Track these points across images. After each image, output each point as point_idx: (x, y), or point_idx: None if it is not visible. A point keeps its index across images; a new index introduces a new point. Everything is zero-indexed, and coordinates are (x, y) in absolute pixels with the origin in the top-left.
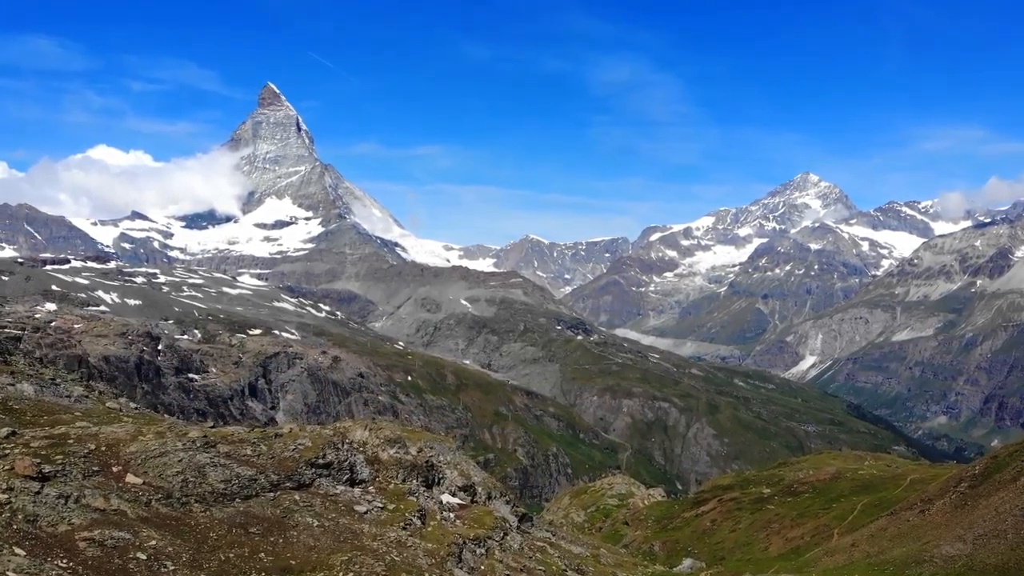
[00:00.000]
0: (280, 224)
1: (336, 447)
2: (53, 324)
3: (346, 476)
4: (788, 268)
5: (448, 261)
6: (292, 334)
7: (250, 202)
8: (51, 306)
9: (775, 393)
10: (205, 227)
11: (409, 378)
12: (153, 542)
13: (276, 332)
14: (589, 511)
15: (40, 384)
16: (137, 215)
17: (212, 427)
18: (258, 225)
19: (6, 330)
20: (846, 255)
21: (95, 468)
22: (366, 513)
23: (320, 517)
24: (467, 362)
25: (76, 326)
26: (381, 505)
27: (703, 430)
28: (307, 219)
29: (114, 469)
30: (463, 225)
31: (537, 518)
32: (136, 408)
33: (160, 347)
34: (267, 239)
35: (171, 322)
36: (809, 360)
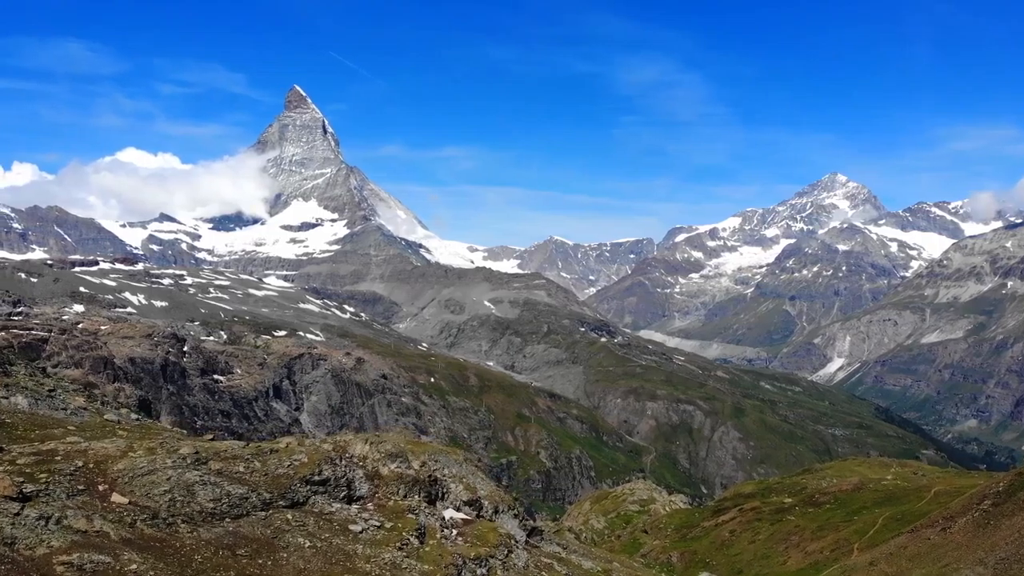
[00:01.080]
0: (306, 226)
1: (333, 463)
2: (80, 326)
3: (343, 493)
4: (816, 269)
5: (472, 262)
6: (317, 335)
7: (277, 204)
8: (79, 308)
9: (802, 396)
10: (232, 229)
11: (432, 380)
12: (134, 566)
13: (301, 333)
14: (609, 517)
15: (35, 397)
16: (165, 217)
17: (212, 438)
18: (284, 227)
19: (33, 332)
20: (874, 256)
21: (80, 487)
22: (361, 532)
23: (312, 537)
24: (490, 364)
25: (103, 328)
26: (378, 523)
27: (728, 433)
28: (333, 221)
29: (100, 488)
30: (487, 226)
31: (548, 531)
32: (138, 419)
33: (186, 348)
34: (293, 241)
35: (197, 323)
36: (837, 362)
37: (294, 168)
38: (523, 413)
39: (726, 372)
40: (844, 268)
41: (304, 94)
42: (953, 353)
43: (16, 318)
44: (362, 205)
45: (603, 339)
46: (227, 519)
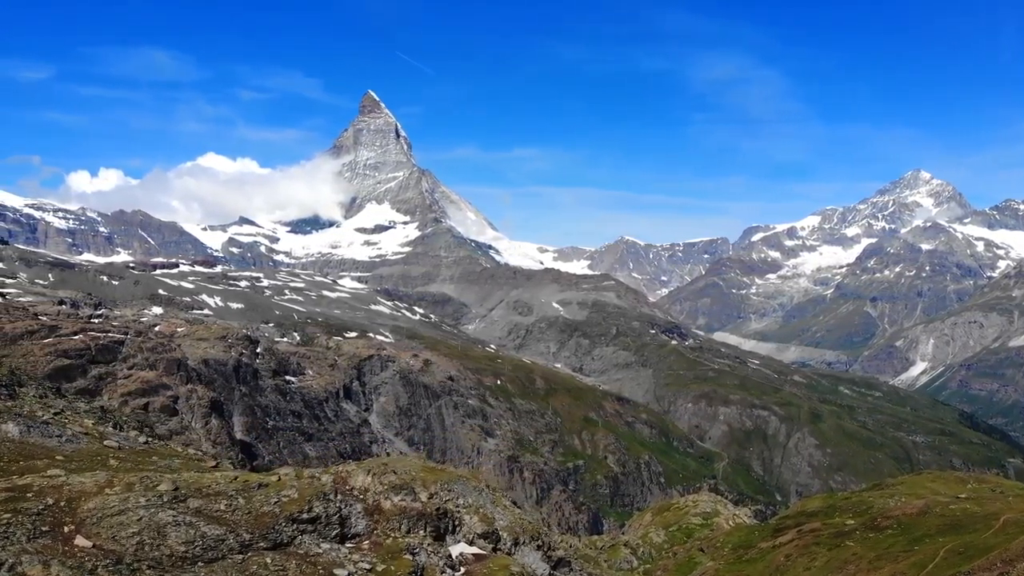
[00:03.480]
0: (379, 228)
1: (326, 498)
2: (157, 328)
3: (335, 531)
4: (898, 270)
5: (542, 263)
6: (386, 337)
7: (351, 207)
8: (157, 310)
9: (882, 401)
10: (309, 232)
11: (499, 382)
12: None
13: (371, 335)
14: (670, 530)
15: (28, 423)
16: (245, 220)
17: (215, 465)
18: (359, 229)
19: (109, 334)
20: (960, 256)
21: (44, 528)
22: None
23: None
24: (558, 366)
25: (179, 329)
26: (368, 566)
27: (804, 440)
28: (405, 223)
29: (65, 529)
30: (558, 227)
31: (577, 562)
32: (146, 442)
33: (259, 350)
34: (367, 243)
35: (272, 325)
36: (920, 366)
37: (368, 172)
38: (590, 417)
39: (803, 376)
40: (928, 268)
41: (377, 99)
42: None
43: (95, 320)
44: (433, 207)
45: (674, 342)
46: (199, 563)
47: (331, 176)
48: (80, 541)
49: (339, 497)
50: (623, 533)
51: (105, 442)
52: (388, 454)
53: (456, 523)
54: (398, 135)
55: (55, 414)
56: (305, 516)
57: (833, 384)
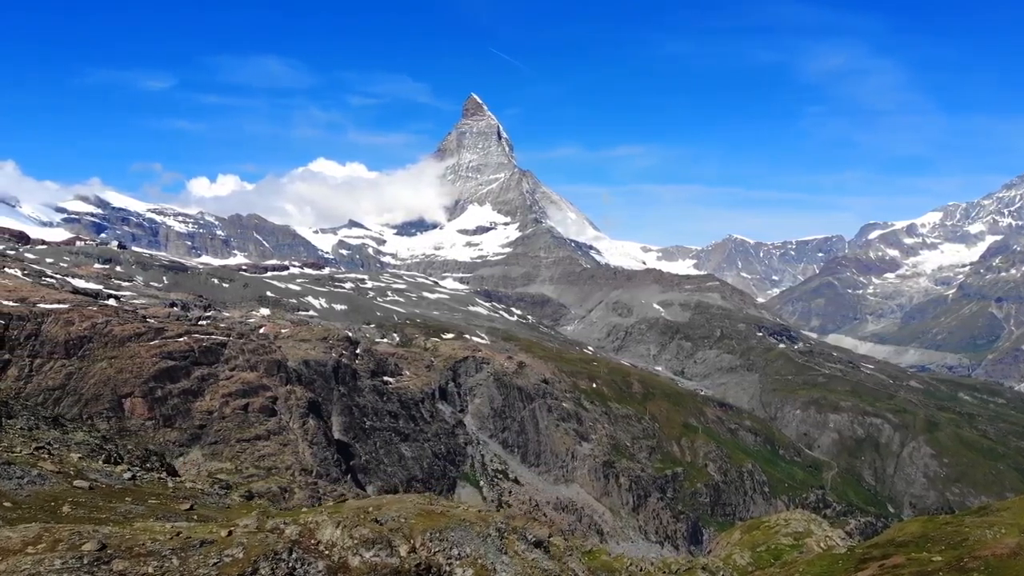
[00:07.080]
0: (481, 230)
1: (278, 558)
2: (262, 329)
3: None
4: None
5: (644, 263)
6: (482, 338)
7: (455, 209)
8: (265, 311)
9: (1006, 409)
10: (414, 234)
11: (594, 385)
12: None
13: (467, 336)
14: (757, 551)
15: None
16: (354, 223)
17: (189, 508)
18: (461, 231)
19: (212, 336)
20: None
21: None
22: None
23: None
24: (659, 368)
25: (283, 331)
26: None
27: (920, 449)
28: (505, 224)
29: None
30: (663, 226)
31: None
32: (132, 478)
33: (358, 351)
34: (469, 244)
35: (373, 326)
36: None
37: (470, 174)
38: (690, 423)
39: (920, 382)
40: None
41: (480, 102)
42: None
43: (203, 323)
44: (533, 208)
45: (782, 345)
46: None
47: (435, 179)
48: None
49: (294, 555)
50: (708, 552)
51: (75, 483)
52: (483, 456)
53: None
54: (500, 137)
55: (36, 448)
56: None
57: (952, 390)
